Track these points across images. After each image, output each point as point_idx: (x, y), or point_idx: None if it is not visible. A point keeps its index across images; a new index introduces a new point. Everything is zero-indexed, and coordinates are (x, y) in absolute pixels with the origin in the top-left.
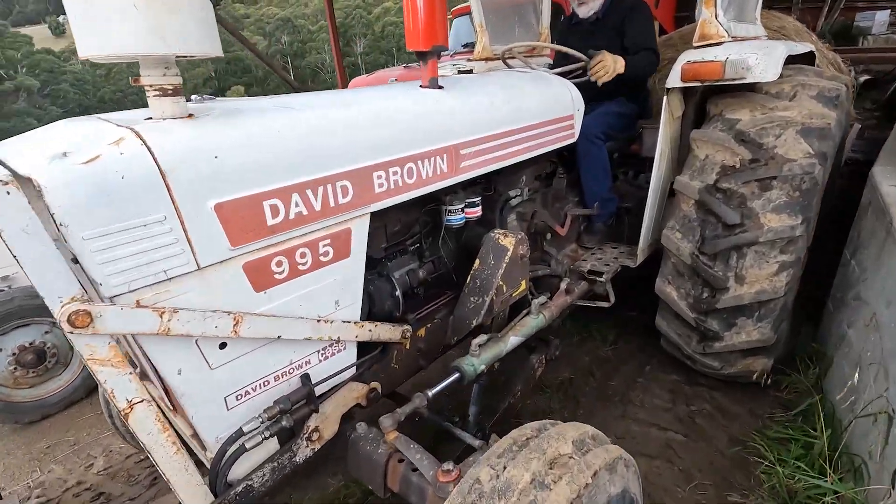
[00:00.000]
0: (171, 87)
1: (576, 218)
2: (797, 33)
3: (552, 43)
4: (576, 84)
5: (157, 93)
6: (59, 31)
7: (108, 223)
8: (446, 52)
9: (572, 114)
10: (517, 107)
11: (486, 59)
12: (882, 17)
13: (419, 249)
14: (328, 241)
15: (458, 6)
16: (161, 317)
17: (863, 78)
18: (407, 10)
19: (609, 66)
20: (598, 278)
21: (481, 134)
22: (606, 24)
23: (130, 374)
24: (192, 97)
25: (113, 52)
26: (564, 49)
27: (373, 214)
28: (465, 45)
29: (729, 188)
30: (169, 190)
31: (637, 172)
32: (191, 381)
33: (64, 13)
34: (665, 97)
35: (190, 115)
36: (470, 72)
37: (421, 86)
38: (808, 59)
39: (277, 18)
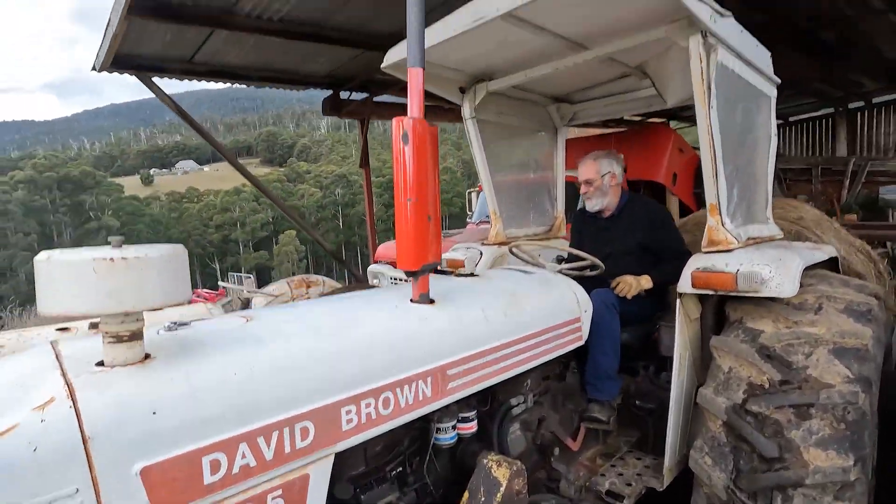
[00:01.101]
0: (127, 334)
1: (592, 431)
2: (818, 224)
3: (566, 227)
4: (590, 273)
5: (112, 340)
6: (149, 181)
7: None
8: (473, 221)
9: (579, 316)
10: (517, 316)
11: (500, 244)
12: None
13: (401, 475)
14: (279, 491)
15: None
16: None
17: None
18: (399, 231)
19: (631, 284)
20: (617, 503)
21: (473, 350)
22: (621, 223)
23: None
24: (167, 324)
25: (65, 313)
26: (575, 251)
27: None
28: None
29: (760, 412)
30: (89, 458)
31: (658, 369)
32: None
33: (156, 166)
34: (678, 300)
35: (146, 357)
36: (473, 275)
37: (411, 300)
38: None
39: (334, 174)
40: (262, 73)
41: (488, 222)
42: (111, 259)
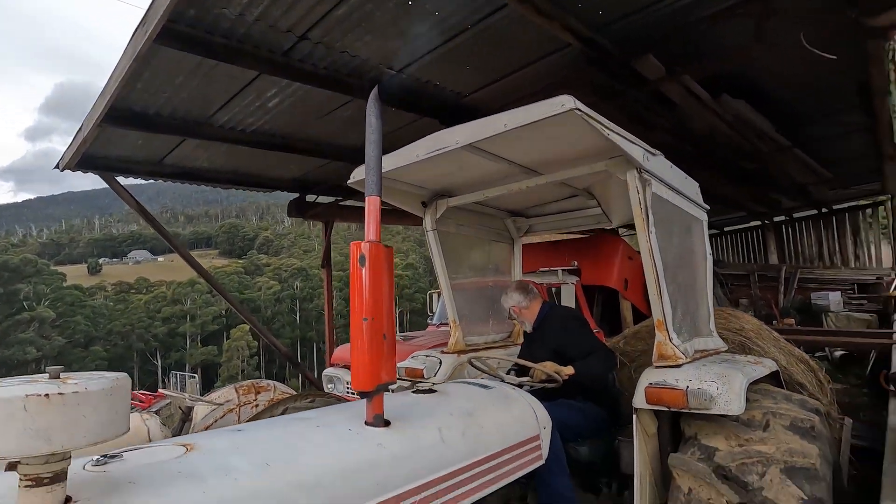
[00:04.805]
0: (48, 476)
1: None
2: (758, 334)
3: (523, 338)
4: (539, 387)
5: (30, 483)
6: (96, 270)
7: None
8: (433, 322)
9: (538, 433)
10: (474, 437)
11: (459, 353)
12: (835, 297)
13: None
14: None
15: None
16: None
17: (839, 353)
18: (354, 349)
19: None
20: None
21: (429, 477)
22: (540, 334)
23: None
24: (95, 457)
25: None
26: (526, 363)
27: None
28: None
29: None
30: None
31: (621, 487)
32: None
33: (107, 255)
34: (635, 415)
35: (67, 502)
36: (431, 391)
37: (365, 422)
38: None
39: (294, 268)
40: (230, 176)
41: (448, 325)
42: (46, 395)
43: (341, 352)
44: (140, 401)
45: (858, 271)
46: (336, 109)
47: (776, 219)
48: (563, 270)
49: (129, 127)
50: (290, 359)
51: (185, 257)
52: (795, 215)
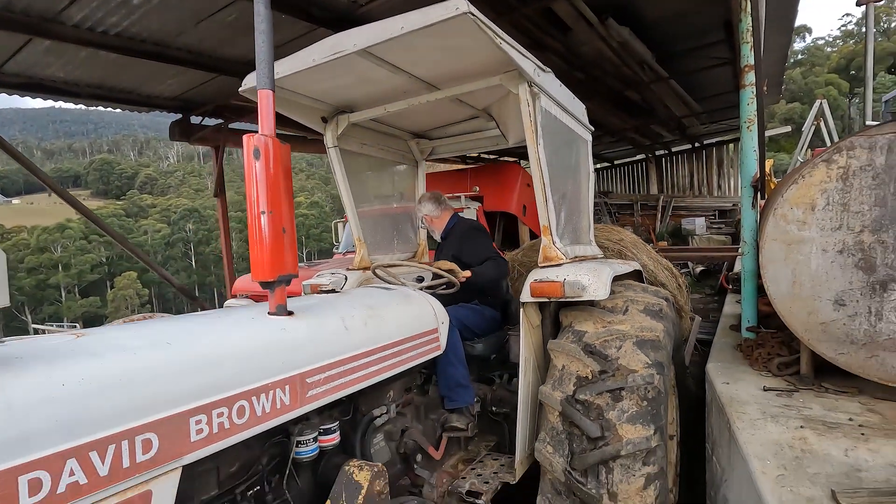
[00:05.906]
0: None
1: (454, 438)
2: (634, 245)
3: (429, 253)
4: (442, 294)
5: None
6: None
7: None
8: (339, 251)
9: (436, 327)
10: (376, 326)
11: (364, 269)
12: (700, 221)
13: (259, 493)
14: None
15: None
16: None
17: (699, 269)
18: (252, 242)
19: (450, 267)
20: (476, 500)
21: (333, 359)
22: (447, 242)
23: None
24: None
25: None
26: (432, 269)
27: (190, 464)
28: None
29: (586, 399)
30: None
31: (511, 377)
32: None
33: None
34: (521, 309)
35: None
36: (334, 291)
37: (269, 312)
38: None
39: (184, 209)
40: (94, 90)
41: (354, 253)
42: None
43: (242, 282)
44: None
45: (720, 199)
46: (217, 13)
47: (658, 153)
48: (465, 196)
49: None
50: (185, 292)
51: (59, 193)
52: (674, 149)
